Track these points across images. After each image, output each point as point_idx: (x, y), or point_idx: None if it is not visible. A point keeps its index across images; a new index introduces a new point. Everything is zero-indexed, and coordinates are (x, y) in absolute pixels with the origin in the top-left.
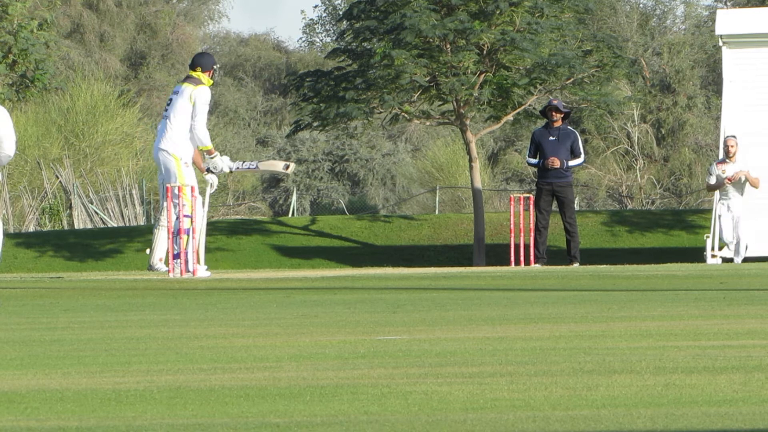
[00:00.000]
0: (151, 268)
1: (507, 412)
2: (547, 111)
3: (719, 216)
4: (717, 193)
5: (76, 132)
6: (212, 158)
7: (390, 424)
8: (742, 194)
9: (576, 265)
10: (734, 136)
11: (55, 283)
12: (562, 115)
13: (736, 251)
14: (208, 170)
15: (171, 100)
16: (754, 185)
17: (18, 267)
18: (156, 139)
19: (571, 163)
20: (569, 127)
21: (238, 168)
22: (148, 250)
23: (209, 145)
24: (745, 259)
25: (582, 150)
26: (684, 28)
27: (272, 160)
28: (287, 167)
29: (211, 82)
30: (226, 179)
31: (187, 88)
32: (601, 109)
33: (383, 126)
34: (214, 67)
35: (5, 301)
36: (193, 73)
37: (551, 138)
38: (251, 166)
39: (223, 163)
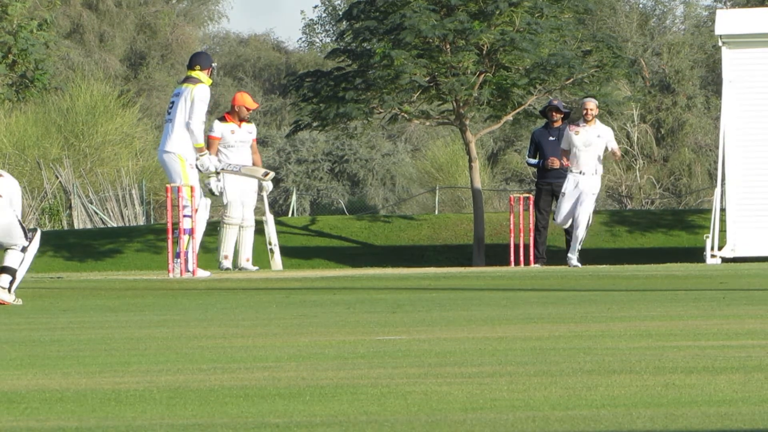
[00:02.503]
0: (240, 268)
1: (506, 412)
2: (547, 111)
3: (563, 193)
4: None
5: (75, 132)
6: (202, 156)
7: (390, 424)
8: (595, 172)
9: (576, 264)
10: (594, 100)
11: (54, 283)
12: (562, 116)
13: (574, 242)
14: (196, 167)
15: (173, 103)
16: (615, 154)
17: None
18: (161, 143)
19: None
20: None
21: (224, 168)
22: (227, 255)
23: (202, 143)
24: (745, 260)
25: None
26: (683, 29)
27: (255, 166)
28: (266, 174)
29: (210, 80)
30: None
31: (187, 88)
32: (600, 110)
33: (383, 126)
34: (213, 65)
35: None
36: (192, 73)
37: (551, 138)
38: (235, 168)
39: (210, 162)
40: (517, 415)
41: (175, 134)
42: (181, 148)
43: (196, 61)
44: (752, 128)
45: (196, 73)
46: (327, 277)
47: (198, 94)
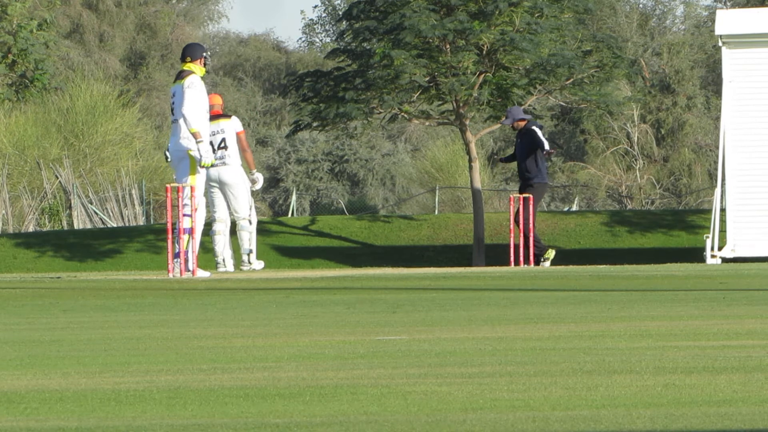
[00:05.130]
0: (245, 265)
1: (506, 412)
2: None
3: None
4: None
5: (75, 132)
6: (200, 142)
7: (389, 424)
8: None
9: (543, 264)
10: None
11: (54, 283)
12: (515, 122)
13: None
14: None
15: (173, 103)
16: None
17: (18, 267)
18: (171, 142)
19: (529, 161)
20: (533, 127)
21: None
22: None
23: (195, 129)
24: (745, 260)
25: (538, 138)
26: (684, 29)
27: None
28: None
29: (204, 70)
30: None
31: (179, 86)
32: (600, 110)
33: (383, 126)
34: (204, 54)
35: (5, 301)
36: (184, 66)
37: (519, 141)
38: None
39: (208, 151)
40: (517, 415)
41: (183, 132)
42: (192, 145)
43: (187, 53)
44: (752, 128)
45: (188, 66)
46: (327, 277)
47: (187, 83)
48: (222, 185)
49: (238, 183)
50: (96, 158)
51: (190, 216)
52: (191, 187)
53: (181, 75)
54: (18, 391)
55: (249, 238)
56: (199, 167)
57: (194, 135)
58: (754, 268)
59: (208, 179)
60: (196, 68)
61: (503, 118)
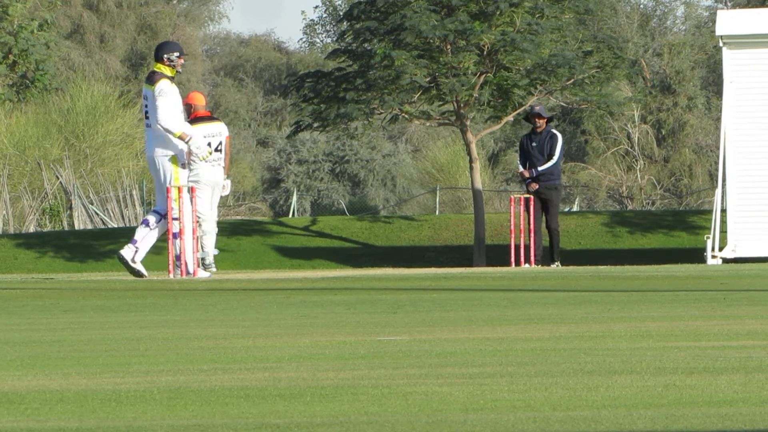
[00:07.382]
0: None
1: (507, 412)
2: (530, 117)
3: None
4: None
5: (76, 133)
6: (189, 141)
7: (390, 424)
8: None
9: (556, 266)
10: None
11: (55, 283)
12: (545, 120)
13: None
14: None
15: (146, 106)
16: None
17: (18, 268)
18: (147, 147)
19: (540, 168)
20: (553, 130)
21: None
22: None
23: (178, 131)
24: (746, 260)
25: (556, 151)
26: (684, 29)
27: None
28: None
29: (173, 70)
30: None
31: (149, 90)
32: (601, 110)
33: (383, 126)
34: (165, 56)
35: (6, 302)
36: (155, 67)
37: (533, 144)
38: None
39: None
40: (518, 416)
41: (157, 139)
42: (170, 148)
43: (155, 55)
44: (753, 129)
45: (157, 66)
46: (328, 277)
47: (157, 90)
48: (213, 186)
49: (221, 186)
50: (97, 159)
51: (178, 219)
52: (178, 188)
53: (150, 78)
54: (19, 391)
55: (213, 241)
56: (190, 165)
57: (181, 137)
58: (755, 268)
59: (203, 181)
60: (165, 69)
61: (537, 107)
